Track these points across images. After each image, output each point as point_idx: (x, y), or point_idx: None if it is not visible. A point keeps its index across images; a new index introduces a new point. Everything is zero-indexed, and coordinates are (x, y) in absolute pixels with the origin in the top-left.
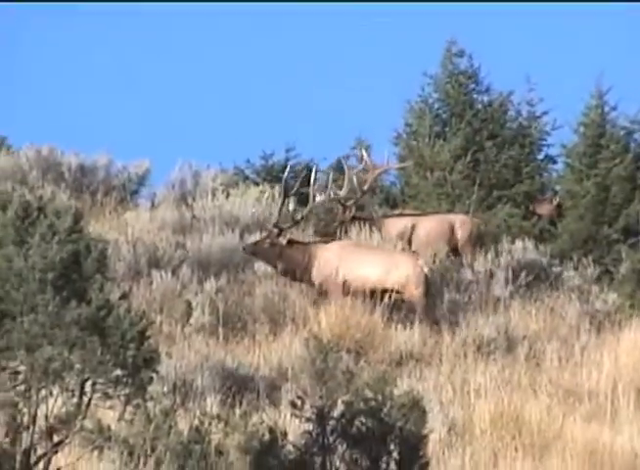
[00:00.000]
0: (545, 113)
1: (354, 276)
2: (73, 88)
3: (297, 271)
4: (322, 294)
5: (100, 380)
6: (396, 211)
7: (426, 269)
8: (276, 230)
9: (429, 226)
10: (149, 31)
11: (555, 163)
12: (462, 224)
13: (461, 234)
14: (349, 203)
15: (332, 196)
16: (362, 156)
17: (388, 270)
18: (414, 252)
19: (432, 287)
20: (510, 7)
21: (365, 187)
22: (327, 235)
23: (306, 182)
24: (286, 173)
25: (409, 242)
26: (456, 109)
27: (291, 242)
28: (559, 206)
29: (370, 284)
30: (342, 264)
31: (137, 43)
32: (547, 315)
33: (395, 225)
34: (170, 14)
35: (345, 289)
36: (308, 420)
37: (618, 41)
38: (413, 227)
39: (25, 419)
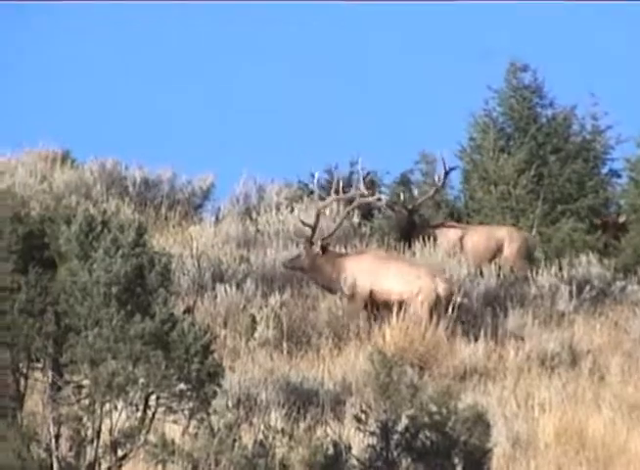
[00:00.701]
0: (609, 127)
1: (379, 288)
2: (138, 101)
3: (327, 281)
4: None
5: (164, 394)
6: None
7: (441, 288)
8: (314, 244)
9: (476, 238)
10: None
11: (619, 177)
12: (510, 238)
13: (509, 248)
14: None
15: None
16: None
17: (407, 282)
18: (439, 269)
19: (441, 307)
20: (574, 21)
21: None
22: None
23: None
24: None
25: (460, 252)
26: (520, 123)
27: (325, 252)
28: (623, 224)
29: (395, 296)
30: (370, 275)
31: (204, 52)
32: (611, 329)
33: (446, 235)
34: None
35: (372, 300)
36: (372, 434)
37: None
38: (461, 238)
39: (90, 433)
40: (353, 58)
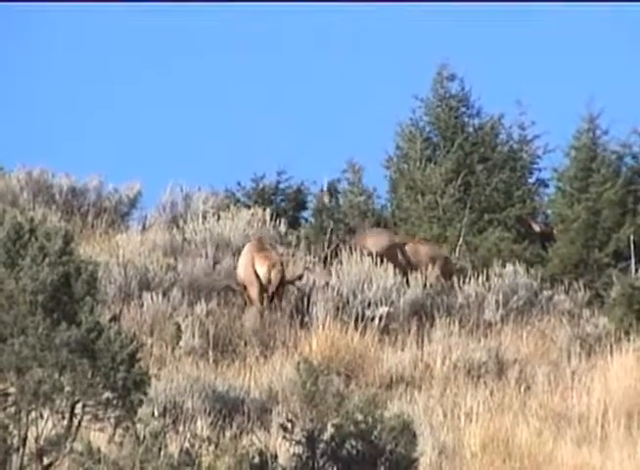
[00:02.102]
0: (536, 136)
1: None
2: (64, 110)
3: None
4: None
5: (90, 402)
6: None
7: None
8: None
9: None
10: (143, 50)
11: (546, 186)
12: (433, 257)
13: (431, 267)
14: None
15: None
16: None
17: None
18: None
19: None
20: (501, 30)
21: None
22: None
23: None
24: None
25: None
26: (447, 132)
27: None
28: (551, 230)
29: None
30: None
31: (129, 63)
32: (538, 339)
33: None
34: (162, 32)
35: None
36: (298, 443)
37: (610, 65)
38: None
39: (15, 441)
40: (282, 63)
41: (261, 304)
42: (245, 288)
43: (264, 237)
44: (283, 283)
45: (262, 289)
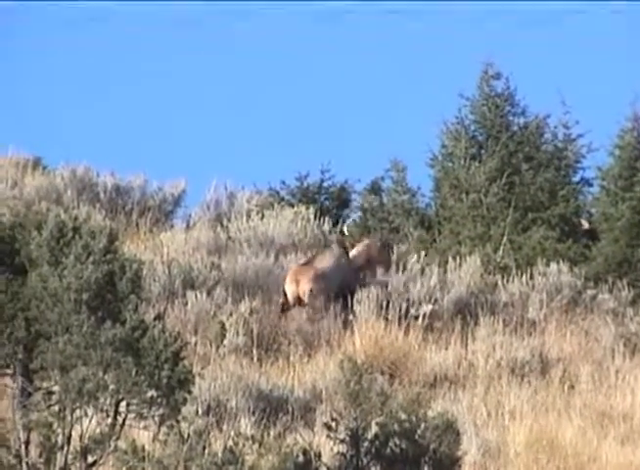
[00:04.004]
0: (581, 135)
1: None
2: (110, 108)
3: None
4: None
5: (134, 401)
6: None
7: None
8: None
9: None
10: (188, 50)
11: (590, 185)
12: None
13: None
14: None
15: None
16: None
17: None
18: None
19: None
20: (547, 29)
21: None
22: None
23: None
24: None
25: None
26: (492, 131)
27: None
28: (593, 231)
29: None
30: None
31: (174, 60)
32: (582, 338)
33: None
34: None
35: None
36: (342, 442)
37: None
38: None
39: (60, 439)
40: (325, 63)
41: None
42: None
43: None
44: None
45: (286, 303)
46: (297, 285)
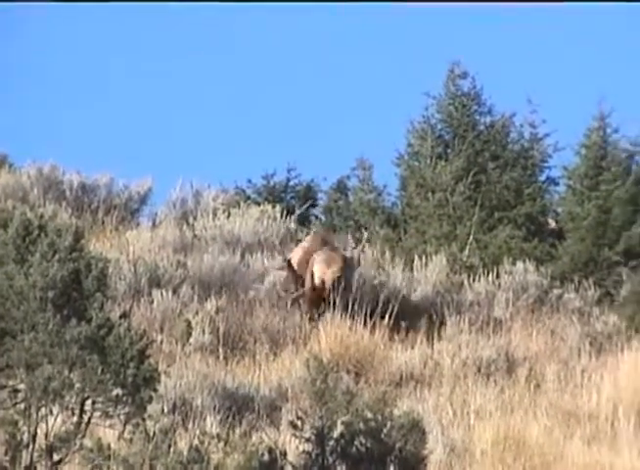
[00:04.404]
0: (547, 134)
1: None
2: (76, 106)
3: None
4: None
5: (100, 399)
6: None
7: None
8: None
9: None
10: (152, 47)
11: (557, 184)
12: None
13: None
14: None
15: None
16: None
17: None
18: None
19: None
20: (512, 28)
21: None
22: None
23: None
24: None
25: None
26: (458, 130)
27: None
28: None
29: None
30: None
31: (138, 59)
32: (548, 337)
33: None
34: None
35: None
36: (308, 440)
37: (621, 63)
38: None
39: (25, 437)
40: (293, 60)
41: (310, 305)
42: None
43: (329, 233)
44: (339, 286)
45: (314, 289)
46: (327, 268)
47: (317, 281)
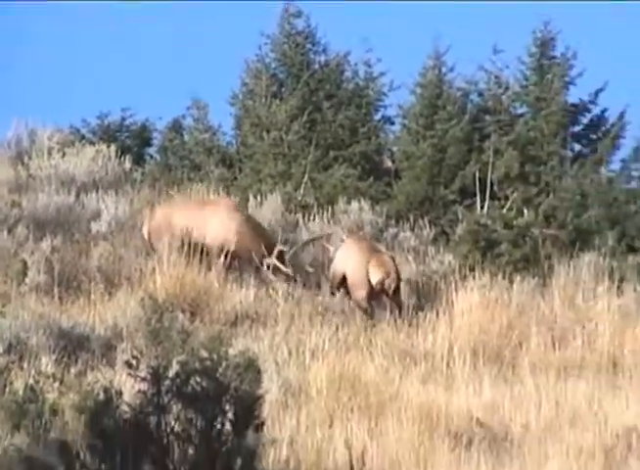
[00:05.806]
0: (382, 73)
1: None
2: None
3: None
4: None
5: None
6: None
7: None
8: None
9: None
10: None
11: (392, 124)
12: None
13: None
14: None
15: None
16: None
17: None
18: None
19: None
20: None
21: None
22: None
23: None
24: None
25: None
26: (293, 69)
27: None
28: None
29: None
30: None
31: None
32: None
33: None
34: None
35: None
36: (143, 380)
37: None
38: None
39: None
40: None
41: (367, 307)
42: (343, 283)
43: (365, 234)
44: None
45: (371, 293)
46: (386, 275)
47: (375, 286)
